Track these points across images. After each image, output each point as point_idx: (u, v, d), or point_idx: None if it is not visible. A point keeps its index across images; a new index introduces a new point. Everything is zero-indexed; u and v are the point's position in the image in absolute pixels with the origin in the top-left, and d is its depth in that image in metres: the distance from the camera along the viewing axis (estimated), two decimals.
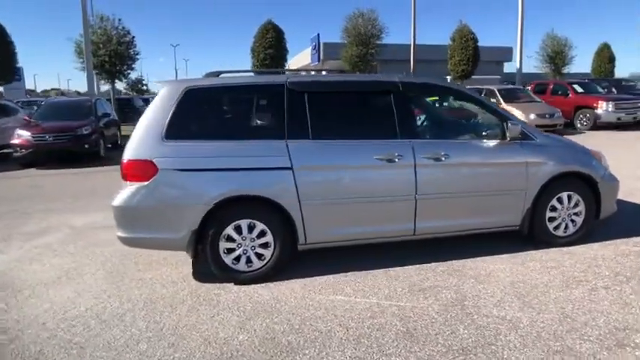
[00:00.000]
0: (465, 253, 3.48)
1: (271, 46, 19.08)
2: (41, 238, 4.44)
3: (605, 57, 25.03)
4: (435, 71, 24.53)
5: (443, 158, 3.23)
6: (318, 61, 27.90)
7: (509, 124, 3.30)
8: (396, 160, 3.16)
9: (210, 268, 3.12)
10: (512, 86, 15.52)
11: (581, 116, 13.48)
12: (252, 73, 3.62)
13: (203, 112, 3.19)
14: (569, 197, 3.52)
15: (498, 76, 29.36)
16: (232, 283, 3.11)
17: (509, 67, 35.02)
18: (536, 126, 12.11)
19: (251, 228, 3.07)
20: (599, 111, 13.12)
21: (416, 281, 3.07)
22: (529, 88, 15.16)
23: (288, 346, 2.33)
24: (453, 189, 3.30)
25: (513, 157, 3.39)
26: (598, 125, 13.08)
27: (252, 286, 3.08)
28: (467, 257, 3.42)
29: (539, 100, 13.70)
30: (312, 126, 3.13)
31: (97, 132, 10.35)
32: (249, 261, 3.12)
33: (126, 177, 2.99)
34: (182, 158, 2.97)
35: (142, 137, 3.00)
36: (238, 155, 3.03)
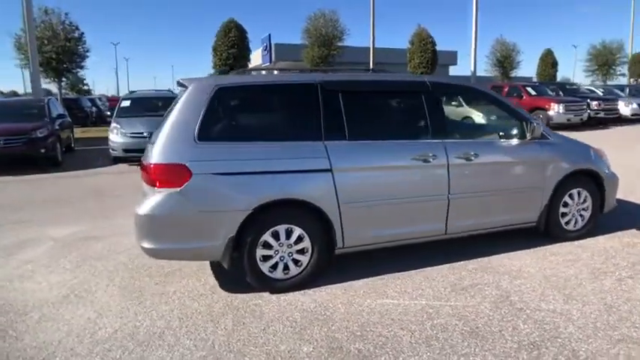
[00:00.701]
0: (486, 250, 3.57)
1: (234, 45, 18.61)
2: (24, 253, 3.96)
3: (549, 62, 27.22)
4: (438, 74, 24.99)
5: (472, 158, 3.30)
6: (270, 61, 27.64)
7: (534, 125, 3.45)
8: (431, 160, 3.18)
9: (238, 276, 2.96)
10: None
11: (534, 117, 14.52)
12: (268, 71, 3.48)
13: (235, 112, 3.01)
14: (579, 193, 3.75)
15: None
16: (267, 292, 2.95)
17: (453, 71, 36.83)
18: None
19: (289, 233, 2.94)
20: (551, 112, 14.23)
21: (454, 280, 3.10)
22: None
23: (359, 354, 2.24)
24: (482, 188, 3.38)
25: (534, 156, 3.55)
26: (550, 126, 14.15)
27: (290, 294, 2.95)
28: (490, 255, 3.52)
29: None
30: (348, 126, 3.06)
31: (54, 135, 9.46)
32: (285, 268, 2.98)
33: (155, 183, 2.74)
34: (218, 161, 2.78)
35: (171, 139, 2.77)
36: (277, 157, 2.89)
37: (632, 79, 27.07)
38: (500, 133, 3.62)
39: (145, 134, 8.59)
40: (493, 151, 3.44)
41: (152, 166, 2.74)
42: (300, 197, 2.90)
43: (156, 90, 12.68)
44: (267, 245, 2.91)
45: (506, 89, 16.04)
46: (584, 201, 3.79)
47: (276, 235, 2.92)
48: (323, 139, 2.99)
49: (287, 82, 3.22)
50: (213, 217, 2.78)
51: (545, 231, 3.72)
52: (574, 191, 3.73)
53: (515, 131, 3.55)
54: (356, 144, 3.07)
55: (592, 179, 3.79)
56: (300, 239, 2.96)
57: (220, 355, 2.28)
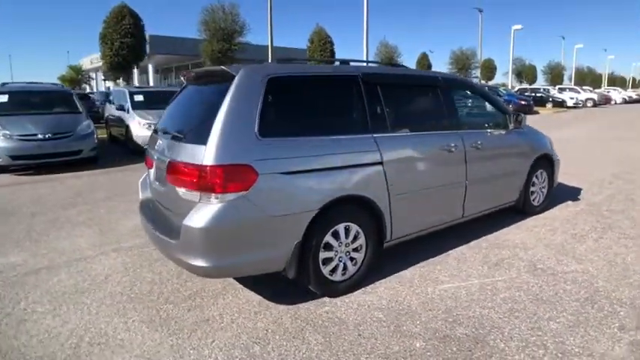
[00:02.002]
0: (483, 230, 3.98)
1: (128, 34, 16.36)
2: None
3: (425, 65, 31.01)
4: None
5: (479, 147, 3.65)
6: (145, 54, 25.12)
7: (520, 116, 3.99)
8: (453, 149, 3.41)
9: (277, 287, 2.81)
10: None
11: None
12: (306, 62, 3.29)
13: (288, 105, 2.73)
14: (541, 174, 4.49)
15: None
16: (325, 298, 2.78)
17: None
18: None
19: (347, 232, 2.82)
20: None
21: (482, 258, 3.40)
22: None
23: (471, 338, 2.31)
24: (486, 174, 3.76)
25: (518, 143, 4.11)
26: None
27: (351, 295, 2.84)
28: (489, 233, 3.95)
29: None
30: (389, 118, 3.09)
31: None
32: (344, 268, 2.86)
33: (212, 187, 2.32)
34: (283, 159, 2.49)
35: (231, 135, 2.37)
36: (335, 152, 2.73)
37: (482, 81, 32.86)
38: (490, 124, 4.06)
39: (39, 136, 7.22)
40: (491, 140, 3.86)
41: (208, 168, 2.31)
42: (358, 193, 2.81)
43: (28, 83, 10.40)
44: (328, 247, 2.74)
45: None
46: (544, 180, 4.54)
47: (336, 235, 2.77)
48: (372, 132, 2.94)
49: (333, 73, 3.06)
50: (280, 223, 2.49)
51: (522, 208, 4.34)
52: (538, 172, 4.44)
53: (501, 122, 4.04)
54: (397, 136, 3.10)
55: (548, 162, 4.56)
56: (355, 237, 2.87)
57: None
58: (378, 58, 28.84)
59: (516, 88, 30.37)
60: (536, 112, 23.53)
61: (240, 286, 3.01)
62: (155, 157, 2.99)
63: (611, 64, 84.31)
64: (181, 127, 2.83)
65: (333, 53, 21.57)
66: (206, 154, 2.32)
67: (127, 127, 9.54)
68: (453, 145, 3.41)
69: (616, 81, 66.73)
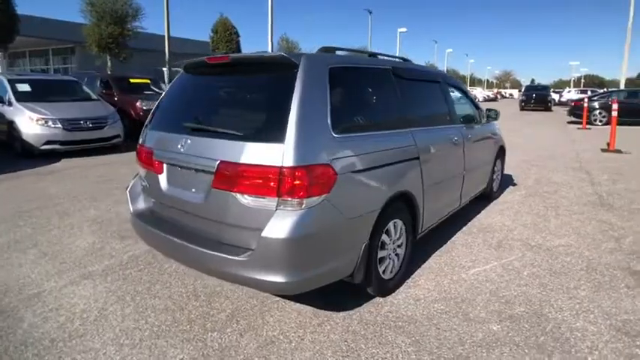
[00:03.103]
0: (463, 216, 4.38)
1: None
2: None
3: None
4: None
5: (471, 139, 3.98)
6: None
7: (494, 111, 4.45)
8: (457, 142, 3.66)
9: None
10: None
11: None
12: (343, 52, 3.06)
13: (348, 98, 2.56)
14: (499, 162, 5.09)
15: None
16: (376, 298, 2.73)
17: None
18: None
19: (395, 228, 2.81)
20: None
21: (482, 242, 3.73)
22: None
23: (535, 313, 2.53)
24: (474, 164, 4.12)
25: (491, 135, 4.60)
26: None
27: (397, 292, 2.83)
28: (470, 220, 4.34)
29: None
30: (417, 113, 3.17)
31: None
32: (392, 266, 2.84)
33: (297, 192, 2.07)
34: (355, 156, 2.35)
35: (308, 131, 2.13)
36: (391, 148, 2.69)
37: None
38: (474, 118, 4.39)
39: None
40: (476, 132, 4.23)
41: (290, 170, 2.04)
42: (405, 188, 2.81)
43: None
44: (382, 246, 2.69)
45: None
46: (499, 168, 5.17)
47: (388, 233, 2.73)
48: (409, 126, 2.97)
49: (375, 66, 2.95)
50: (355, 225, 2.35)
51: (488, 194, 4.87)
52: (498, 161, 5.03)
53: (478, 116, 4.44)
54: (423, 130, 3.17)
55: (503, 152, 5.19)
56: (400, 233, 2.88)
57: None
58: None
59: None
60: None
61: (277, 298, 2.76)
62: (171, 160, 2.53)
63: (471, 67, 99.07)
64: (223, 123, 2.45)
65: (238, 45, 20.78)
66: (285, 154, 2.06)
67: (11, 123, 7.80)
68: (456, 138, 3.65)
69: (475, 82, 78.87)
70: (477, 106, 4.53)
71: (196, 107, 2.72)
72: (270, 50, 20.21)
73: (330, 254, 2.26)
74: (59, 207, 4.73)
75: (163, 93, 3.01)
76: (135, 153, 2.98)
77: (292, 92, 2.18)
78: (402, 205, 2.85)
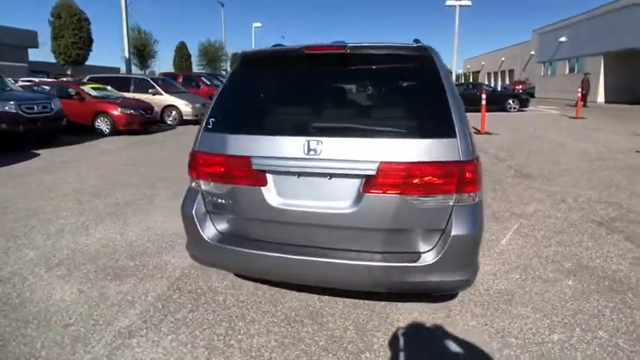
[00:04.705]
0: None
1: None
2: None
3: (184, 54, 29.08)
4: (12, 58, 19.17)
5: None
6: None
7: None
8: None
9: None
10: (162, 77, 15.49)
11: None
12: None
13: None
14: None
15: (25, 64, 26.11)
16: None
17: (35, 55, 31.63)
18: (203, 114, 13.57)
19: None
20: None
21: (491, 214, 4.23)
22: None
23: (603, 271, 3.05)
24: None
25: None
26: None
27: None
28: None
29: (185, 90, 14.86)
30: None
31: None
32: None
33: (473, 186, 2.02)
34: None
35: (465, 123, 2.07)
36: None
37: None
38: None
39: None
40: None
41: (465, 164, 1.96)
42: None
43: None
44: None
45: (180, 79, 16.45)
46: None
47: None
48: None
49: None
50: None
51: None
52: None
53: None
54: None
55: None
56: None
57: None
58: (132, 45, 25.15)
59: None
60: None
61: (383, 303, 2.60)
62: (284, 168, 2.11)
63: None
64: (370, 121, 2.21)
65: (89, 33, 17.21)
66: (461, 149, 1.96)
67: None
68: None
69: None
70: None
71: (314, 105, 2.35)
72: (125, 42, 17.35)
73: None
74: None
75: (222, 90, 2.42)
76: (192, 164, 2.34)
77: (441, 84, 2.08)
78: None
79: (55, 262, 3.16)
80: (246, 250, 2.15)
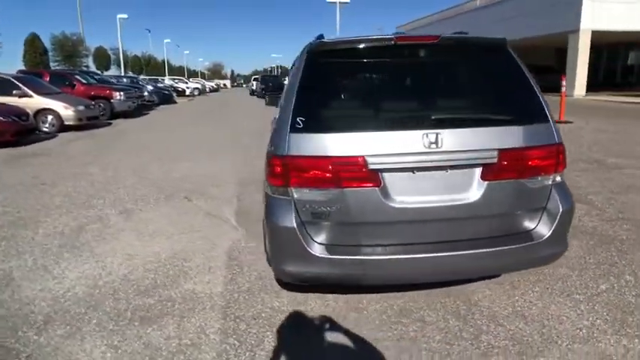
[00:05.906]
0: None
1: None
2: None
3: (39, 48, 23.66)
4: None
5: None
6: None
7: None
8: None
9: None
10: (25, 75, 12.42)
11: (101, 105, 13.83)
12: None
13: None
14: None
15: None
16: None
17: None
18: (87, 118, 11.60)
19: None
20: (114, 100, 14.19)
21: None
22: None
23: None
24: None
25: None
26: (114, 114, 14.19)
27: None
28: None
29: (59, 90, 12.45)
30: None
31: None
32: None
33: (561, 165, 2.24)
34: None
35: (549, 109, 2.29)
36: None
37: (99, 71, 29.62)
38: None
39: None
40: None
41: (560, 146, 2.19)
42: None
43: None
44: None
45: (47, 78, 13.69)
46: None
47: None
48: None
49: None
50: None
51: None
52: None
53: None
54: None
55: None
56: None
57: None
58: None
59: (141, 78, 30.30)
60: (175, 102, 24.99)
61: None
62: (401, 164, 2.01)
63: (187, 58, 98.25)
64: (482, 109, 2.26)
65: None
66: (555, 132, 2.18)
67: None
68: None
69: (190, 72, 79.71)
70: None
71: (415, 97, 2.29)
72: None
73: None
74: None
75: (301, 86, 2.08)
76: (281, 171, 2.01)
77: (524, 73, 2.23)
78: None
79: (39, 320, 2.36)
80: (368, 258, 1.97)
